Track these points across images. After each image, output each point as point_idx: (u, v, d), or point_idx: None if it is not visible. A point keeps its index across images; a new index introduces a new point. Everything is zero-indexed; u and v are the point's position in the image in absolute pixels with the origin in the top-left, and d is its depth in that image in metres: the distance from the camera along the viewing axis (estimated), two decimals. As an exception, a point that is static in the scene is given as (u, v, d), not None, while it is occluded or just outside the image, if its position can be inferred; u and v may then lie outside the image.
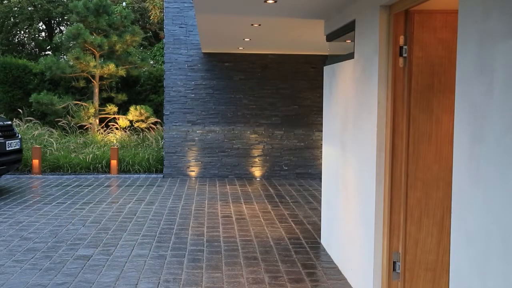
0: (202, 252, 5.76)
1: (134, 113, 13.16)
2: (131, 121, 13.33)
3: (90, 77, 13.61)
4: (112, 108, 13.51)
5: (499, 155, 2.36)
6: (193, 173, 10.98)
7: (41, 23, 23.22)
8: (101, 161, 11.37)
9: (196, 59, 10.95)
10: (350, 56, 4.91)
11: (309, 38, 8.00)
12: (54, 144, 12.13)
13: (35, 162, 11.05)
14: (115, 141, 12.63)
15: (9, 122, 9.60)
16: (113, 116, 13.56)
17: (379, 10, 4.07)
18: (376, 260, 4.19)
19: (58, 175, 11.00)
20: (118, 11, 14.91)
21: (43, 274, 5.02)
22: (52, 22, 23.67)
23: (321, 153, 7.58)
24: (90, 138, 12.66)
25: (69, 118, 13.29)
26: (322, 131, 9.39)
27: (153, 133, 13.05)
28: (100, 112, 13.54)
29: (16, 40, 23.45)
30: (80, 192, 9.18)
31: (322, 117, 9.27)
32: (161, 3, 17.40)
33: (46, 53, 22.64)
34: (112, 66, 13.22)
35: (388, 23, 4.06)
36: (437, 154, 3.99)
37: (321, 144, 10.74)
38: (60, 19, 23.22)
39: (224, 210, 7.83)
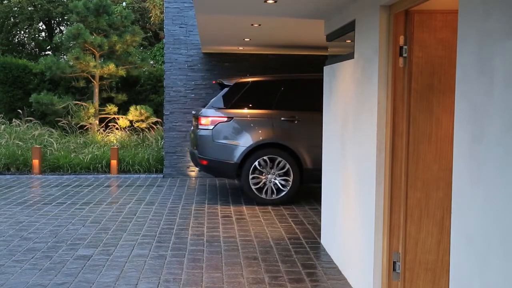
0: (202, 252, 5.76)
1: (134, 113, 13.16)
2: (131, 121, 13.33)
3: (90, 77, 13.61)
4: (112, 108, 13.52)
5: (499, 155, 2.35)
6: (193, 173, 10.97)
7: (41, 23, 23.21)
8: (101, 161, 11.36)
9: (196, 59, 10.95)
10: (350, 56, 4.91)
11: (309, 38, 8.01)
12: (54, 144, 12.12)
13: (35, 162, 11.04)
14: (115, 141, 12.63)
15: None
16: (113, 116, 13.56)
17: (379, 10, 4.07)
18: (376, 260, 4.19)
19: (58, 175, 10.99)
20: (118, 11, 14.92)
21: (43, 274, 5.02)
22: (52, 22, 23.67)
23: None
24: (90, 138, 12.66)
25: (69, 118, 13.28)
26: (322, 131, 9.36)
27: (153, 133, 13.05)
28: (100, 112, 13.54)
29: (16, 40, 23.45)
30: (80, 192, 9.17)
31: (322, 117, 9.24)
32: (161, 3, 17.40)
33: (46, 53, 22.64)
34: (112, 66, 13.22)
35: (388, 23, 4.06)
36: (437, 154, 3.99)
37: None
38: (60, 19, 23.22)
39: (224, 210, 7.82)
